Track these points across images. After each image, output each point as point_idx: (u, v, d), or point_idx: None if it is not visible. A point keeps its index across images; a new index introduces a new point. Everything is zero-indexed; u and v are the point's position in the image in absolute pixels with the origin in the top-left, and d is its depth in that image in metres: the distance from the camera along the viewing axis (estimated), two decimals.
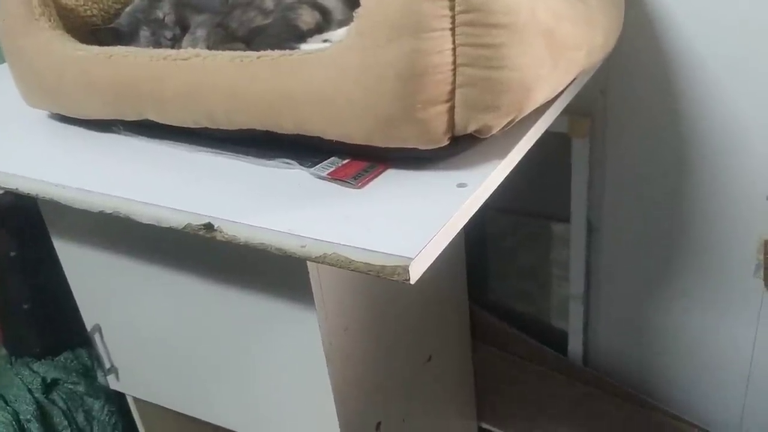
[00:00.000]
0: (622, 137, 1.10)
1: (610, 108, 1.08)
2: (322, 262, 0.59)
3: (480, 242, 1.32)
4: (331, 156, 0.71)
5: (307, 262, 0.79)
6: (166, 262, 0.93)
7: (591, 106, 1.09)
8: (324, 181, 0.68)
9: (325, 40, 0.85)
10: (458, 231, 0.62)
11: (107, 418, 1.31)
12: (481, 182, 0.65)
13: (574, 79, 0.79)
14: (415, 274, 0.56)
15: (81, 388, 1.29)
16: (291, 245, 0.60)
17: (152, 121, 0.79)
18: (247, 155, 0.74)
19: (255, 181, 0.71)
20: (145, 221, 0.69)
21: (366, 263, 0.56)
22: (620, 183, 1.13)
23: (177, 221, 0.66)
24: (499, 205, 1.27)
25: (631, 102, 1.07)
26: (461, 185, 0.65)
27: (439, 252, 0.59)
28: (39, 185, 0.76)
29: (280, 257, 0.80)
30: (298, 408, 0.96)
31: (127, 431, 1.32)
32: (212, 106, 0.71)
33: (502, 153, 0.69)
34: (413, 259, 0.55)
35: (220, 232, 0.64)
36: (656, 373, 1.26)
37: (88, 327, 1.11)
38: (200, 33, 0.91)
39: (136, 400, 1.21)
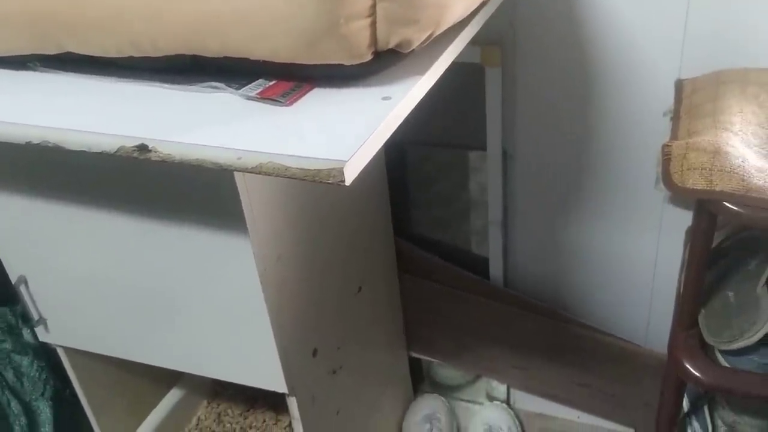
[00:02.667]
0: (531, 66, 1.15)
1: (519, 38, 1.14)
2: (259, 173, 0.61)
3: (401, 176, 1.37)
4: (258, 78, 0.73)
5: (239, 191, 0.81)
6: (91, 202, 0.92)
7: (501, 38, 1.14)
8: (253, 102, 0.70)
9: None
10: (385, 140, 0.66)
11: (37, 373, 1.29)
12: (404, 95, 0.69)
13: (486, 2, 0.84)
14: (350, 175, 0.59)
15: (7, 346, 1.27)
16: (227, 158, 0.62)
17: (72, 54, 0.78)
18: (175, 83, 0.75)
19: (185, 104, 0.71)
20: (75, 148, 0.68)
21: (302, 169, 0.59)
22: (531, 110, 1.20)
23: (109, 145, 0.66)
24: (417, 138, 1.31)
25: (538, 32, 1.12)
26: (386, 98, 0.68)
27: (371, 157, 0.62)
28: None
29: (211, 187, 0.82)
30: (236, 338, 0.98)
31: (57, 386, 1.31)
32: (136, 32, 0.71)
33: (424, 68, 0.73)
34: (347, 161, 0.58)
35: (155, 152, 0.65)
36: (570, 288, 1.35)
37: (13, 279, 1.09)
38: None
39: (67, 351, 1.20)
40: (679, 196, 0.78)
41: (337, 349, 1.17)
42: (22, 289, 1.09)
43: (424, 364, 1.60)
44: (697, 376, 0.87)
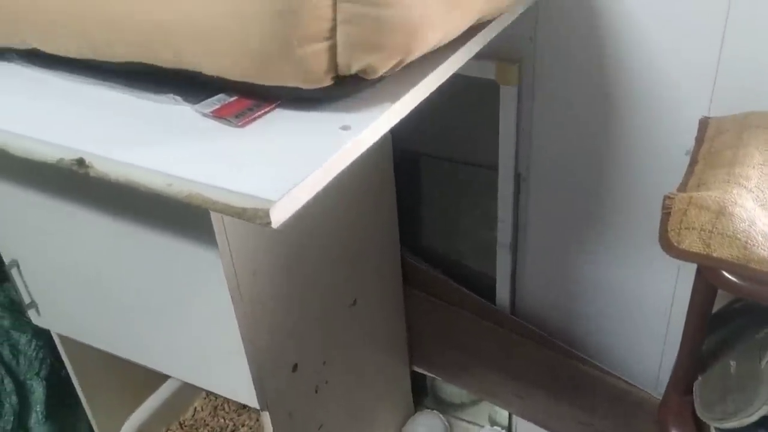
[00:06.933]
0: (551, 85, 1.07)
1: (539, 55, 1.06)
2: (188, 202, 0.57)
3: (412, 187, 1.31)
4: (221, 93, 0.69)
5: None
6: (77, 197, 0.91)
7: (520, 53, 1.06)
8: (208, 119, 0.66)
9: None
10: (336, 174, 0.61)
11: (34, 352, 1.30)
12: (366, 126, 0.63)
13: (485, 26, 0.77)
14: (278, 218, 0.54)
15: (6, 323, 1.28)
16: (158, 183, 0.58)
17: (39, 51, 0.76)
18: (137, 89, 0.72)
19: (138, 116, 0.68)
20: (19, 154, 0.66)
21: (227, 204, 0.55)
22: (548, 132, 1.12)
23: (50, 155, 0.64)
24: (430, 151, 1.25)
25: (560, 50, 1.04)
26: (345, 128, 0.63)
27: (311, 196, 0.58)
28: None
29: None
30: (209, 349, 0.96)
31: (55, 366, 1.31)
32: (92, 35, 0.67)
33: (394, 98, 0.67)
34: (275, 202, 0.53)
35: (92, 167, 0.62)
36: (579, 322, 1.27)
37: (6, 262, 1.09)
38: None
39: (60, 335, 1.20)
40: (673, 257, 0.70)
41: (322, 365, 1.13)
42: (14, 272, 1.10)
43: (428, 379, 1.55)
44: None
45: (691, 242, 0.69)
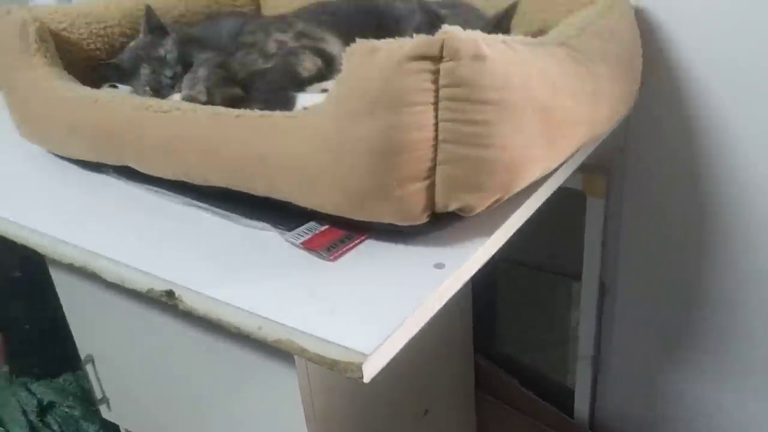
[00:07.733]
0: (640, 197, 1.03)
1: (629, 166, 1.02)
2: (278, 347, 0.55)
3: (489, 293, 1.27)
4: (312, 220, 0.68)
5: None
6: (154, 303, 0.91)
7: (609, 164, 1.03)
8: (298, 249, 0.65)
9: (324, 90, 0.82)
10: (431, 315, 0.58)
11: None
12: (460, 264, 0.61)
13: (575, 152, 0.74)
14: (370, 372, 0.52)
15: (77, 412, 1.28)
16: (248, 325, 0.57)
17: (132, 168, 0.77)
18: (228, 211, 0.72)
19: (228, 243, 0.68)
20: (110, 280, 0.66)
21: (318, 355, 0.53)
22: (636, 244, 1.07)
23: (141, 284, 0.64)
24: (510, 257, 1.21)
25: (650, 161, 1.01)
26: (439, 266, 0.61)
27: (405, 343, 0.55)
28: (15, 228, 0.75)
29: None
30: None
31: None
32: (188, 162, 0.68)
33: (488, 232, 0.65)
34: (368, 356, 0.51)
35: (181, 301, 0.61)
36: None
37: (82, 356, 1.10)
38: (201, 73, 0.89)
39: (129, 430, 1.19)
40: None
41: None
42: (89, 368, 1.10)
43: None
44: None
45: None
